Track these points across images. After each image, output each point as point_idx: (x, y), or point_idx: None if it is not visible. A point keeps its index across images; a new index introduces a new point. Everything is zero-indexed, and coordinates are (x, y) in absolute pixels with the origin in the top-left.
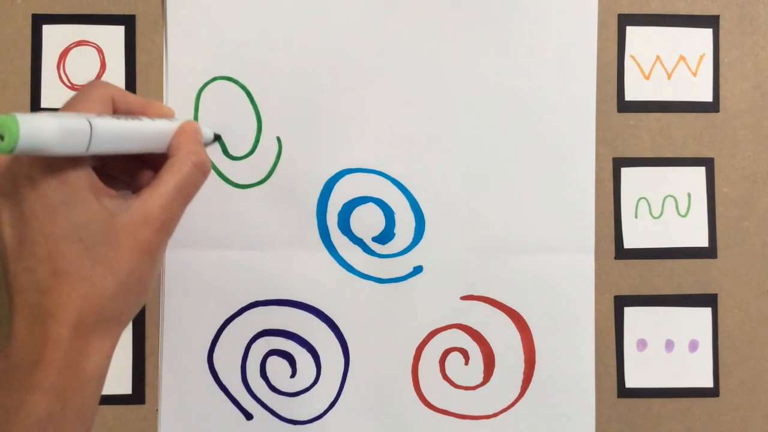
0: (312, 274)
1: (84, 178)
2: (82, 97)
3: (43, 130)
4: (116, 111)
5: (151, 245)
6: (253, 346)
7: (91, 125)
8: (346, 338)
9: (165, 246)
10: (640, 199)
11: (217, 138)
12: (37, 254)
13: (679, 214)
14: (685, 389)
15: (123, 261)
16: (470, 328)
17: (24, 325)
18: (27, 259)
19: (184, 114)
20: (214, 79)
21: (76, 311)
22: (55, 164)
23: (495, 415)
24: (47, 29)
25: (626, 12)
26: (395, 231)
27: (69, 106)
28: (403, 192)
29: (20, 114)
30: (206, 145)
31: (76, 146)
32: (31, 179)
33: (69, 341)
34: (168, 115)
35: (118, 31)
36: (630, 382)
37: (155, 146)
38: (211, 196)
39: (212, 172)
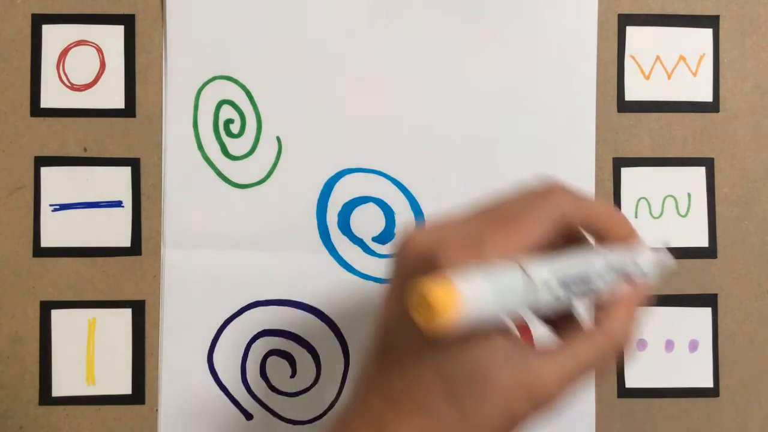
0: (312, 274)
1: None
2: (525, 222)
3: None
4: (565, 233)
5: (517, 417)
6: (253, 346)
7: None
8: (346, 338)
9: (532, 420)
10: (640, 199)
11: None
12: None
13: (679, 214)
14: (685, 389)
15: (482, 419)
16: None
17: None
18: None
19: (183, 113)
20: (214, 78)
21: None
22: None
23: None
24: (47, 29)
25: (626, 12)
26: (395, 231)
27: (511, 225)
28: (403, 192)
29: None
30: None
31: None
32: None
33: None
34: (628, 238)
35: (118, 31)
36: (630, 382)
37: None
38: (211, 196)
39: (212, 172)
